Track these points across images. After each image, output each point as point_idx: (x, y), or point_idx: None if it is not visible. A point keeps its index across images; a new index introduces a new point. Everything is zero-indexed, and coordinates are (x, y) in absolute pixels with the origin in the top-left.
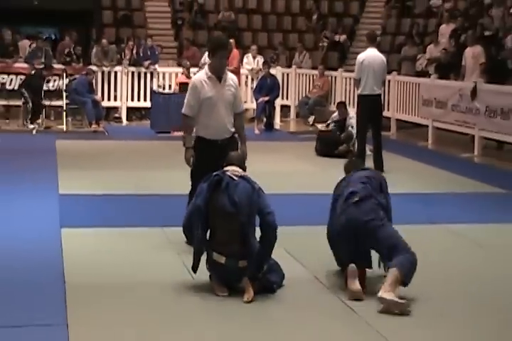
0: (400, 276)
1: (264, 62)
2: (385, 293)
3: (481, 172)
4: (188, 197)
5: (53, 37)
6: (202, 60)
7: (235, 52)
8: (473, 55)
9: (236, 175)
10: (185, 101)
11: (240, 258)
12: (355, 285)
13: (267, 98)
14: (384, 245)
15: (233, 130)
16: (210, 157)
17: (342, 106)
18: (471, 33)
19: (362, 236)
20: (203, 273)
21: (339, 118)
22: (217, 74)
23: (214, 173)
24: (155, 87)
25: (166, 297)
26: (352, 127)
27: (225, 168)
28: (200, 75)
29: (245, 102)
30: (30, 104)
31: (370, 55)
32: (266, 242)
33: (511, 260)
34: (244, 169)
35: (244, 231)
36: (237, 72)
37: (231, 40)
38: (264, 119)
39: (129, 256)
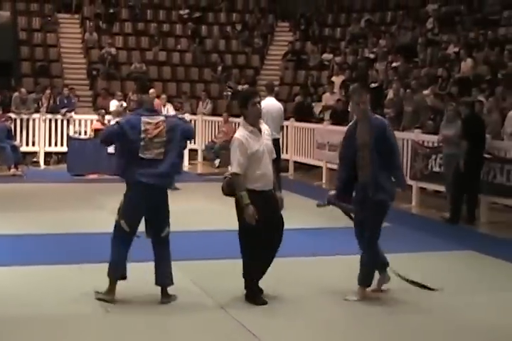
0: None
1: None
2: None
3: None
4: (246, 265)
5: None
6: (111, 108)
7: (158, 101)
8: None
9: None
10: (234, 159)
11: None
12: None
13: None
14: None
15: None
16: (259, 209)
17: None
18: (356, 84)
19: None
20: (117, 307)
21: None
22: (257, 124)
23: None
24: (71, 133)
25: (82, 329)
26: None
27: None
28: (241, 132)
29: None
30: None
31: (269, 103)
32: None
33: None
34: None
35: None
36: None
37: (152, 90)
38: None
39: (47, 293)
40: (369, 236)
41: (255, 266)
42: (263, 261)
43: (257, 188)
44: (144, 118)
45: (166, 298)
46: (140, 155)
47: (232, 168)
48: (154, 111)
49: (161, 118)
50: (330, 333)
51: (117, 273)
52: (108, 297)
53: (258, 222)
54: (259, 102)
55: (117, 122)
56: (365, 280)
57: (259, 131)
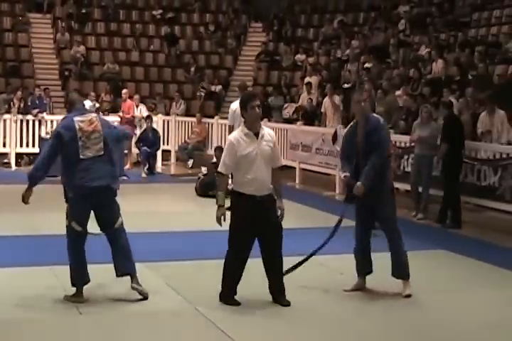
0: None
1: (147, 117)
2: None
3: (343, 208)
4: (225, 265)
5: None
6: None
7: (130, 102)
8: (332, 104)
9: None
10: (222, 159)
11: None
12: None
13: (149, 150)
14: None
15: (271, 186)
16: (248, 213)
17: (219, 150)
18: (329, 85)
19: None
20: (89, 308)
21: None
22: (254, 128)
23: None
24: (43, 134)
25: (54, 332)
26: None
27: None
28: (236, 133)
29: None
30: None
31: None
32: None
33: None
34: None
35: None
36: (132, 120)
37: (125, 90)
38: (147, 165)
39: (18, 295)
40: (393, 228)
41: (234, 266)
42: (265, 266)
43: (247, 192)
44: (76, 118)
45: (137, 284)
46: (81, 156)
47: (218, 167)
48: (85, 110)
49: (93, 114)
50: (304, 331)
51: (82, 277)
52: (77, 299)
53: (243, 226)
54: (258, 106)
55: (52, 133)
56: (408, 272)
57: (256, 134)
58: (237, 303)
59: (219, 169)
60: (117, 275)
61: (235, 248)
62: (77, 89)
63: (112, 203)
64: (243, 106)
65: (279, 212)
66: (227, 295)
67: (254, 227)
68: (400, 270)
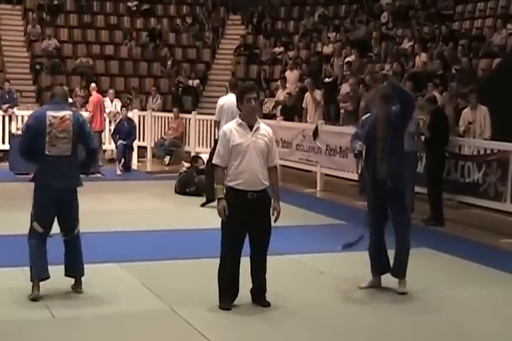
0: None
1: (122, 106)
2: None
3: (323, 206)
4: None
5: None
6: None
7: (96, 95)
8: (313, 99)
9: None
10: (216, 151)
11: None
12: None
13: (125, 142)
14: None
15: (267, 183)
16: (238, 210)
17: (195, 159)
18: (310, 80)
19: None
20: (62, 310)
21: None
22: (249, 120)
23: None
24: (14, 130)
25: (26, 335)
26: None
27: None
28: (229, 124)
29: (104, 144)
30: None
31: (229, 99)
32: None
33: (346, 283)
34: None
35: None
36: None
37: (93, 85)
38: (123, 161)
39: None
40: (407, 224)
41: (226, 266)
42: (251, 265)
43: (237, 187)
44: (49, 112)
45: (80, 287)
46: (46, 152)
47: (213, 159)
48: (63, 104)
49: (68, 112)
50: (284, 332)
51: (40, 275)
52: (32, 295)
53: (232, 223)
54: (254, 98)
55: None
56: (405, 271)
57: (251, 127)
58: (228, 308)
59: (213, 161)
60: (66, 275)
61: (226, 246)
62: (49, 86)
63: (73, 205)
64: (239, 98)
65: (274, 214)
66: (221, 297)
67: (244, 225)
68: (399, 269)
